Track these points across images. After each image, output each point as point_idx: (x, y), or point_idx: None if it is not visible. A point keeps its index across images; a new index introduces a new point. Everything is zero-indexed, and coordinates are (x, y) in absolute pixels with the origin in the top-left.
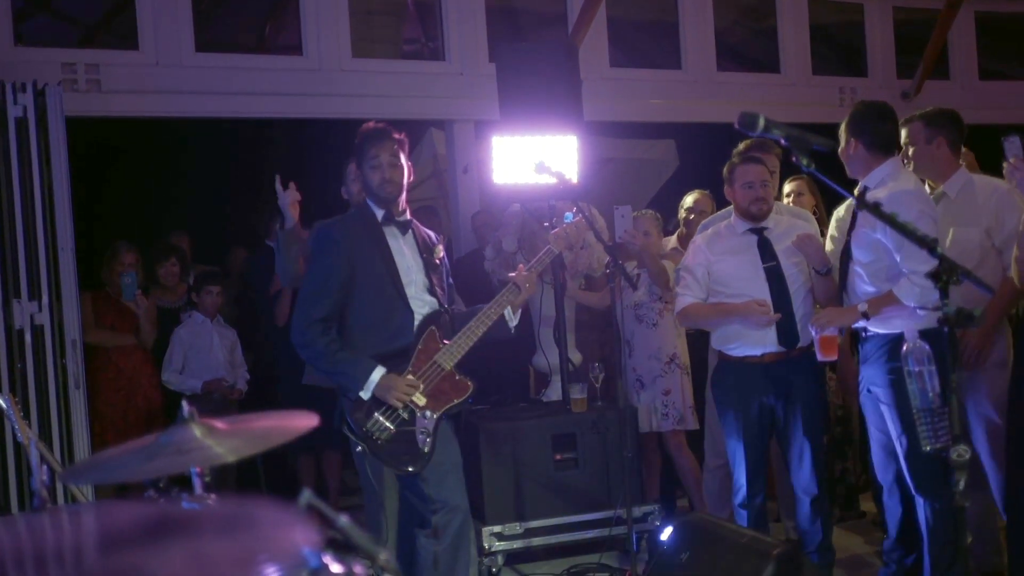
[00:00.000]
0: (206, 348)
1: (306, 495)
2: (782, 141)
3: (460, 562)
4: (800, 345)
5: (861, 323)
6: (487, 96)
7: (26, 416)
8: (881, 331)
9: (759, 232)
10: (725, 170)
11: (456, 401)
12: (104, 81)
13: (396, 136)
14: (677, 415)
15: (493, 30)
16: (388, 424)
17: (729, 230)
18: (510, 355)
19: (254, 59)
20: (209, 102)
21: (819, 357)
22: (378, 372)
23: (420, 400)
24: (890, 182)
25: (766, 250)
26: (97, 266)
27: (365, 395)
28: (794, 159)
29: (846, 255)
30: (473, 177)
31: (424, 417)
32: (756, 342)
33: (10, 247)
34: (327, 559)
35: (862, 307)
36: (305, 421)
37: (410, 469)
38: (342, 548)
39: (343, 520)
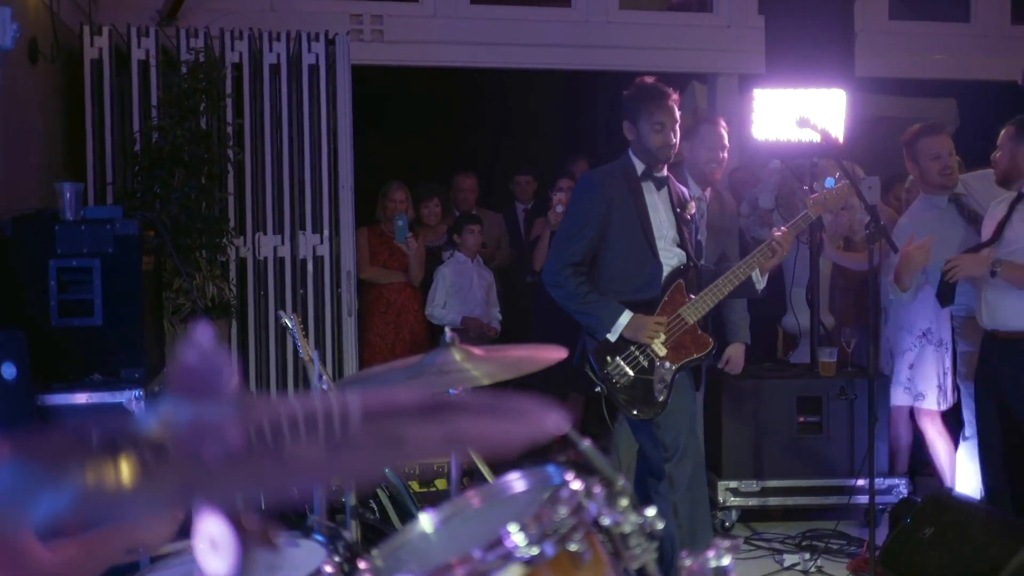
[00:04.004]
0: (467, 286)
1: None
2: None
3: (700, 512)
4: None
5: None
6: (753, 49)
7: (305, 336)
8: None
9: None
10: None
11: (696, 356)
12: (386, 31)
13: (675, 96)
14: (916, 392)
15: None
16: (628, 369)
17: None
18: (760, 313)
19: (524, 11)
20: (481, 52)
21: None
22: (626, 316)
23: (661, 350)
24: None
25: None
26: (372, 204)
27: (612, 337)
28: None
29: None
30: (733, 133)
31: (663, 367)
32: None
33: (298, 184)
34: (569, 477)
35: (997, 265)
36: (555, 354)
37: (642, 415)
38: (583, 470)
39: (586, 444)
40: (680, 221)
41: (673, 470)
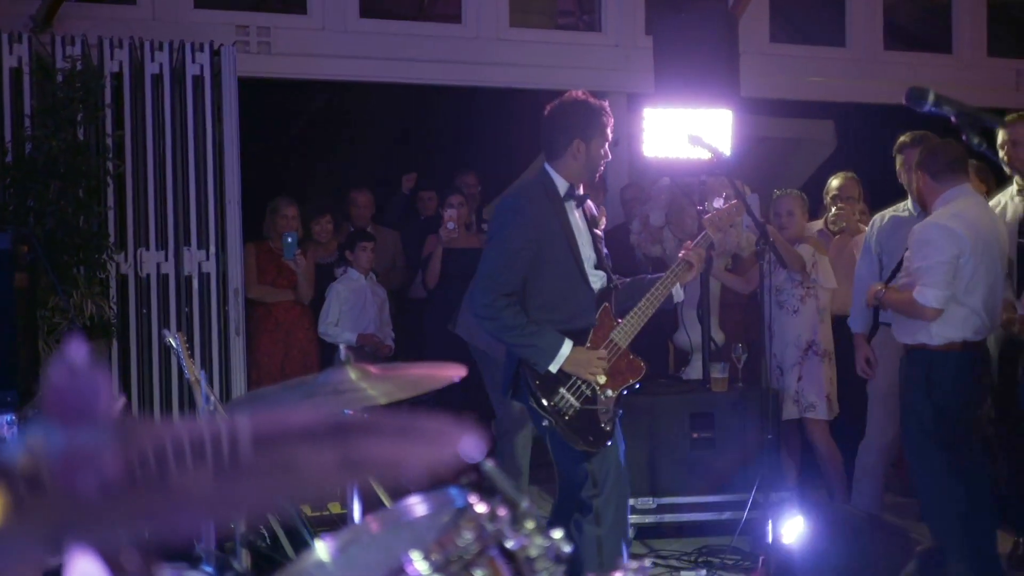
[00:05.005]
0: (360, 304)
1: None
2: (952, 118)
3: (622, 545)
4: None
5: None
6: (641, 69)
7: (191, 356)
8: None
9: None
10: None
11: (632, 381)
12: (274, 44)
13: None
14: (806, 403)
15: (652, 2)
16: (574, 401)
17: None
18: (652, 329)
19: (415, 26)
20: (370, 67)
21: None
22: (568, 345)
23: (602, 378)
24: None
25: None
26: (258, 220)
27: (554, 368)
28: (964, 138)
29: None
30: (623, 151)
31: (604, 396)
32: None
33: (183, 198)
34: (472, 499)
35: (881, 293)
36: (454, 371)
37: (591, 448)
38: (486, 493)
39: (488, 465)
40: (595, 239)
41: (601, 506)
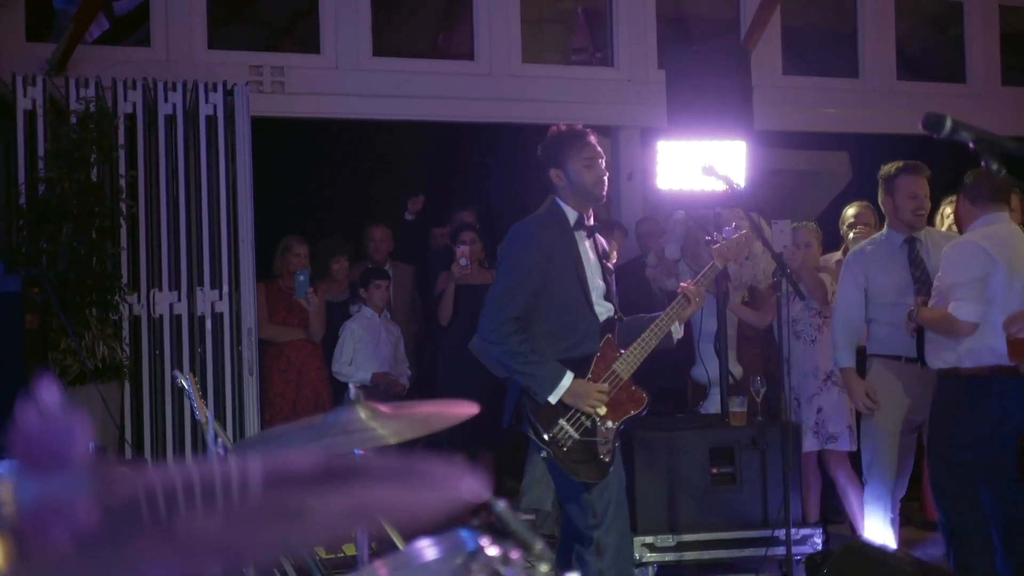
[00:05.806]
0: (374, 342)
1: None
2: (971, 144)
3: None
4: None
5: None
6: (654, 103)
7: (203, 397)
8: None
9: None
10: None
11: (633, 413)
12: (287, 83)
13: (594, 135)
14: (827, 434)
15: (663, 37)
16: (573, 432)
17: None
18: (668, 365)
19: (428, 63)
20: (384, 105)
21: None
22: (568, 377)
23: (602, 410)
24: None
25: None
26: (268, 259)
27: (553, 399)
28: (983, 163)
29: None
30: (637, 185)
31: (604, 427)
32: None
33: (196, 238)
34: (484, 542)
35: (912, 313)
36: (466, 409)
37: (589, 479)
38: (498, 534)
39: (500, 506)
40: (605, 271)
41: (602, 537)
